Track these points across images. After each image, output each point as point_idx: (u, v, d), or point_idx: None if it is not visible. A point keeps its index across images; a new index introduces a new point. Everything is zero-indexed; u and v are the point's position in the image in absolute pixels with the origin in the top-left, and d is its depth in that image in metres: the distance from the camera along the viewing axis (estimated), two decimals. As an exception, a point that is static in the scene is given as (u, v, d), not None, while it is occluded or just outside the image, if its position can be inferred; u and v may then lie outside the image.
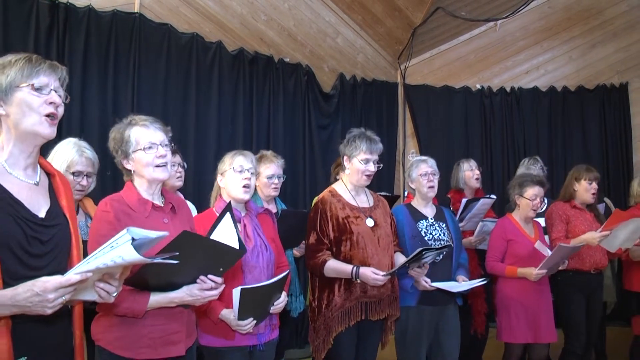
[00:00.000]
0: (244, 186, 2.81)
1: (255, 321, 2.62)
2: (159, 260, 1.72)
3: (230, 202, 2.73)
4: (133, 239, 1.53)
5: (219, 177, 2.91)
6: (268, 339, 2.84)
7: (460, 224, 4.19)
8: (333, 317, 3.09)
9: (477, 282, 3.49)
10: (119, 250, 1.52)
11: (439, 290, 3.33)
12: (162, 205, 2.35)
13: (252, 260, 2.75)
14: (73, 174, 2.88)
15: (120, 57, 4.56)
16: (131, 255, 1.53)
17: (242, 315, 2.55)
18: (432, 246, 3.40)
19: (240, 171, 2.82)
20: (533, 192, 3.93)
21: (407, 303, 3.42)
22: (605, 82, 7.27)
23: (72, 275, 1.52)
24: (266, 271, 2.79)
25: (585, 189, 4.20)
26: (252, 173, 2.86)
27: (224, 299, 2.57)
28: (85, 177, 2.93)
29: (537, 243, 3.84)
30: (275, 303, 2.71)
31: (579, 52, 7.36)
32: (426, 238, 3.47)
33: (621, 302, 4.63)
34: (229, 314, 2.60)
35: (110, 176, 4.02)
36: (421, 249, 3.01)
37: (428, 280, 3.33)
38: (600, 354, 4.92)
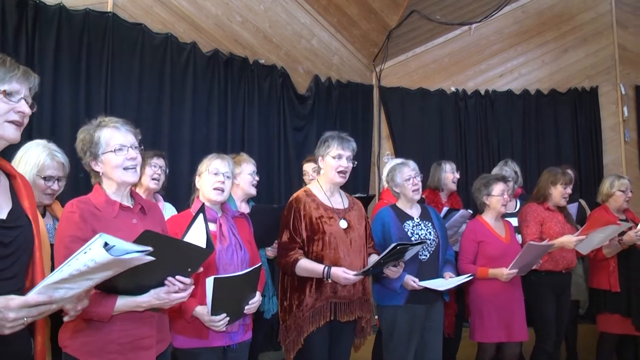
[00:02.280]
0: (215, 188, 2.85)
1: (228, 318, 2.62)
2: (130, 256, 1.64)
3: (203, 203, 2.76)
4: (106, 244, 1.52)
5: (196, 179, 2.95)
6: (241, 340, 2.85)
7: None
8: (304, 318, 3.11)
9: (464, 278, 3.55)
10: (91, 254, 1.50)
11: (426, 288, 3.37)
12: (131, 206, 2.33)
13: (227, 258, 2.78)
14: (44, 178, 2.80)
15: (92, 57, 4.48)
16: (103, 257, 1.50)
17: (215, 309, 2.55)
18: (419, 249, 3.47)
19: (215, 174, 2.86)
20: (500, 188, 4.01)
21: (396, 302, 3.46)
22: (576, 85, 7.41)
23: (37, 295, 1.50)
24: (240, 269, 2.80)
25: (560, 193, 4.28)
26: (227, 177, 2.90)
27: (198, 296, 2.59)
28: (56, 182, 2.87)
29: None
30: (249, 302, 2.72)
31: (552, 56, 7.50)
32: (413, 238, 3.52)
33: (590, 300, 4.72)
34: (203, 311, 2.60)
35: (82, 178, 3.96)
36: (395, 244, 3.03)
37: (416, 279, 3.38)
38: (572, 351, 5.00)
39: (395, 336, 3.48)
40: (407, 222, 3.61)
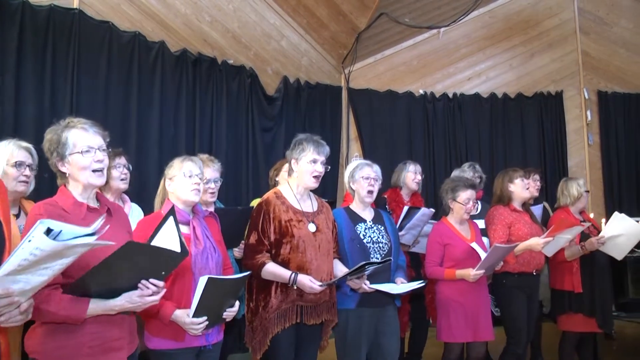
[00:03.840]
0: (193, 190, 2.84)
1: (207, 322, 2.61)
2: (78, 241, 1.65)
3: (173, 206, 2.74)
4: (49, 230, 1.55)
5: (167, 182, 2.91)
6: (216, 340, 2.85)
7: (400, 233, 4.22)
8: (270, 319, 3.09)
9: (415, 285, 3.52)
10: (35, 242, 1.52)
11: (377, 291, 3.37)
12: (98, 208, 2.31)
13: (202, 262, 2.76)
14: (15, 165, 2.84)
15: (58, 55, 4.38)
16: (46, 244, 1.52)
17: (199, 311, 2.54)
18: (371, 252, 3.48)
19: (190, 176, 2.84)
20: (466, 195, 4.01)
21: (347, 306, 3.44)
22: (542, 89, 7.57)
23: None
24: (215, 272, 2.80)
25: (521, 186, 4.32)
26: (200, 178, 2.90)
27: (175, 300, 2.58)
28: (27, 168, 2.89)
29: (473, 243, 3.94)
30: (228, 309, 2.73)
31: (519, 60, 7.65)
32: (365, 241, 3.51)
33: (552, 301, 4.80)
34: (182, 314, 2.59)
35: (47, 179, 3.87)
36: (364, 262, 3.05)
37: (367, 282, 3.35)
38: (536, 348, 5.08)
39: (347, 339, 3.47)
40: (360, 224, 3.59)
